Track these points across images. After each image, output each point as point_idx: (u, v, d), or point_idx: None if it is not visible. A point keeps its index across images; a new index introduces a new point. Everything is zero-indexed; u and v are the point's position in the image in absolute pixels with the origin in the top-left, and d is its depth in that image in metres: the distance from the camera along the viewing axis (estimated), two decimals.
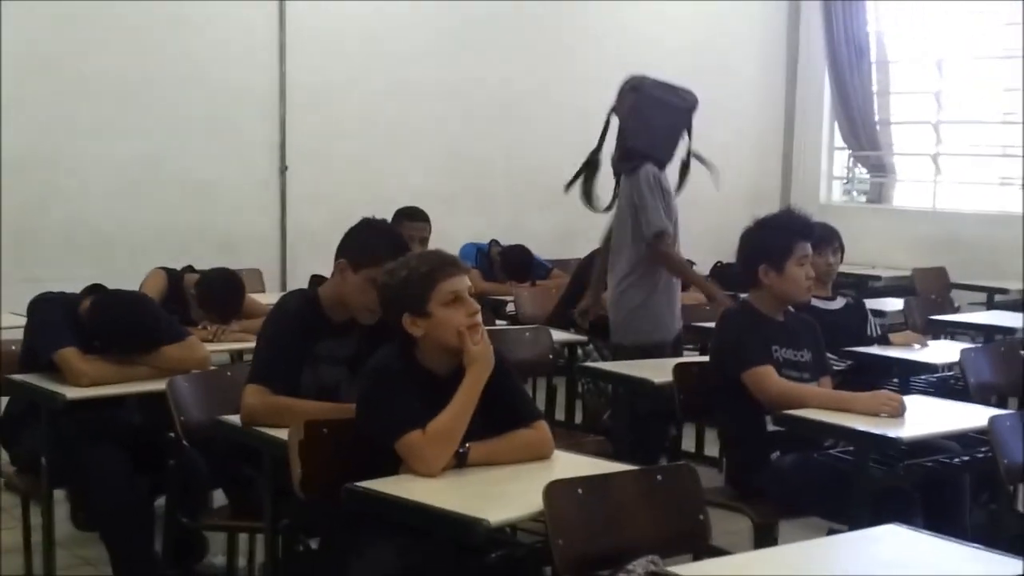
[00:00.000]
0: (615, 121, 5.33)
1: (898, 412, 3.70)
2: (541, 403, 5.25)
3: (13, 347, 4.30)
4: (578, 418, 5.83)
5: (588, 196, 5.50)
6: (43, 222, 6.94)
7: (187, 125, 7.48)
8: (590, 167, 5.46)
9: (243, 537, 4.10)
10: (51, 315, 4.13)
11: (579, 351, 5.90)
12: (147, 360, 4.10)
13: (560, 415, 5.56)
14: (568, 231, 8.56)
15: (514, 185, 8.84)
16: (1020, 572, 2.31)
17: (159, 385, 3.88)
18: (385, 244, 3.52)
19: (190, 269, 5.44)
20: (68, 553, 4.53)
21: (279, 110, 7.87)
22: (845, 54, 9.92)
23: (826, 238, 5.03)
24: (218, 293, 5.16)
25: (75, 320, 4.11)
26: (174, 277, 5.31)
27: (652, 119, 5.26)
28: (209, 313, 5.10)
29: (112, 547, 4.00)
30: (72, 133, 7.11)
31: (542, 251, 7.97)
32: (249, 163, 7.81)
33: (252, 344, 3.89)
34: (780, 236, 4.09)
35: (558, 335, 5.49)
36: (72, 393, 3.89)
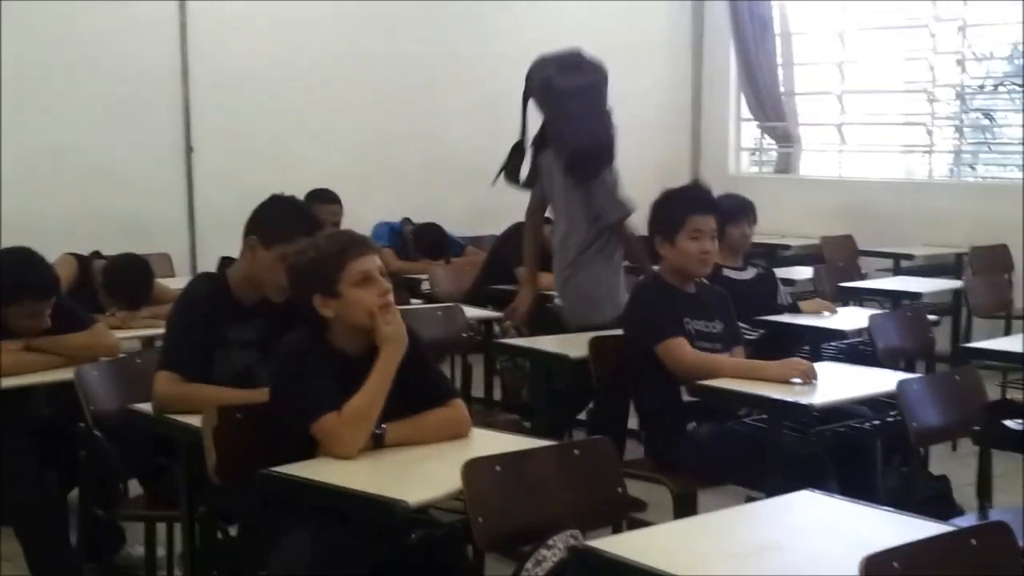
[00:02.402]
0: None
1: (809, 378, 3.76)
2: (458, 381, 5.24)
3: None
4: (496, 395, 5.83)
5: (515, 178, 5.46)
6: None
7: (89, 109, 7.33)
8: (517, 154, 5.42)
9: (161, 526, 4.04)
10: None
11: (495, 328, 5.90)
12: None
13: (478, 393, 5.56)
14: (481, 208, 8.54)
15: (426, 163, 8.80)
16: (933, 532, 2.35)
17: (67, 375, 3.80)
18: (296, 219, 3.49)
19: (97, 255, 5.34)
20: None
21: (182, 90, 7.72)
22: (749, 27, 10.00)
23: (741, 210, 5.10)
24: (125, 279, 5.08)
25: None
26: (83, 263, 5.21)
27: (579, 115, 5.18)
28: (117, 300, 5.02)
29: (26, 542, 3.92)
30: None
31: (456, 229, 7.94)
32: (154, 145, 7.67)
33: (162, 330, 3.83)
34: (674, 209, 4.13)
35: (473, 312, 5.48)
36: None
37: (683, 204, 4.14)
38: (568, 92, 5.19)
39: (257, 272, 3.46)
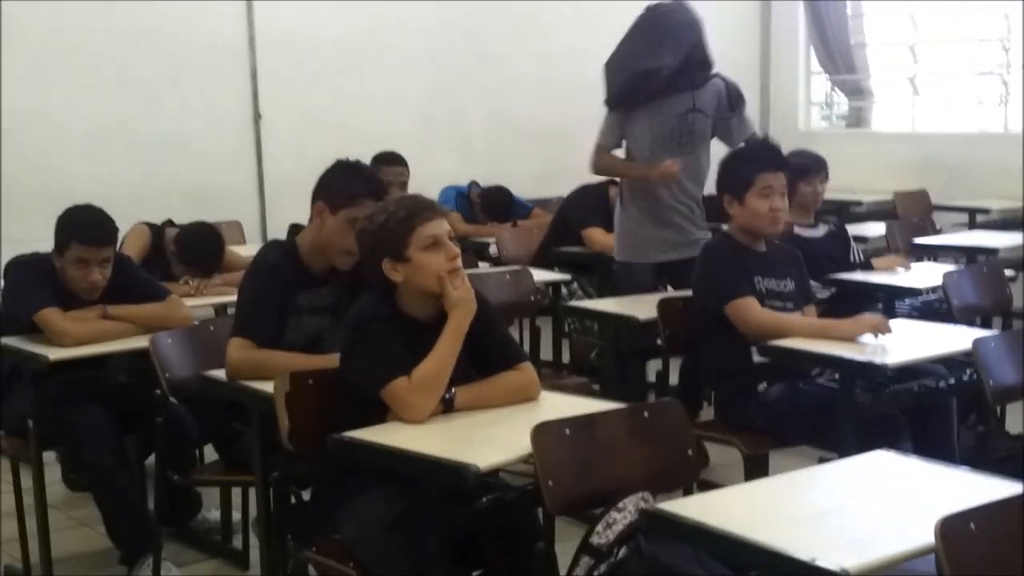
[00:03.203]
0: None
1: (883, 331, 3.70)
2: (526, 345, 5.24)
3: None
4: (565, 358, 5.83)
5: None
6: (17, 184, 6.86)
7: (158, 80, 7.40)
8: None
9: (236, 491, 4.11)
10: (28, 276, 4.09)
11: (563, 290, 5.89)
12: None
13: (547, 356, 5.56)
14: (547, 171, 8.52)
15: (492, 127, 8.78)
16: (1010, 493, 2.31)
17: (142, 343, 3.86)
18: (362, 183, 3.51)
19: (170, 224, 5.40)
20: (62, 515, 4.54)
21: (249, 59, 7.77)
22: None
23: (813, 166, 5.02)
24: (197, 247, 5.13)
25: (52, 279, 4.07)
26: (156, 232, 5.27)
27: (622, 50, 5.22)
28: (190, 268, 5.07)
29: (105, 507, 4.01)
30: (44, 93, 7.02)
31: (522, 191, 7.92)
32: (223, 114, 7.73)
33: (234, 297, 3.87)
34: (743, 167, 4.09)
35: (540, 275, 5.47)
36: (55, 354, 3.87)
37: (752, 162, 4.10)
38: (631, 29, 5.24)
39: (325, 237, 3.48)
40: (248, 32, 7.73)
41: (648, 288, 5.14)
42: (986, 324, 4.98)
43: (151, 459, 4.15)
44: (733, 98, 5.28)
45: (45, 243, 4.15)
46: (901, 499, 2.46)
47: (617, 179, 5.53)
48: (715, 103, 5.26)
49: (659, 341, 4.33)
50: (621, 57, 5.22)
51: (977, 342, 3.55)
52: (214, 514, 4.41)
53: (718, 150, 4.99)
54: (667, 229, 5.21)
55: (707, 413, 4.43)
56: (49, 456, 4.24)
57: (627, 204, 5.30)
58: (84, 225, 4.06)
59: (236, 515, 4.21)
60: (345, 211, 3.43)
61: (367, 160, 5.31)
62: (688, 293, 4.30)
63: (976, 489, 2.40)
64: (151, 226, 5.33)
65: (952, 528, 2.00)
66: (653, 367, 5.44)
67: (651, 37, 5.17)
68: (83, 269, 4.03)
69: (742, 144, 5.02)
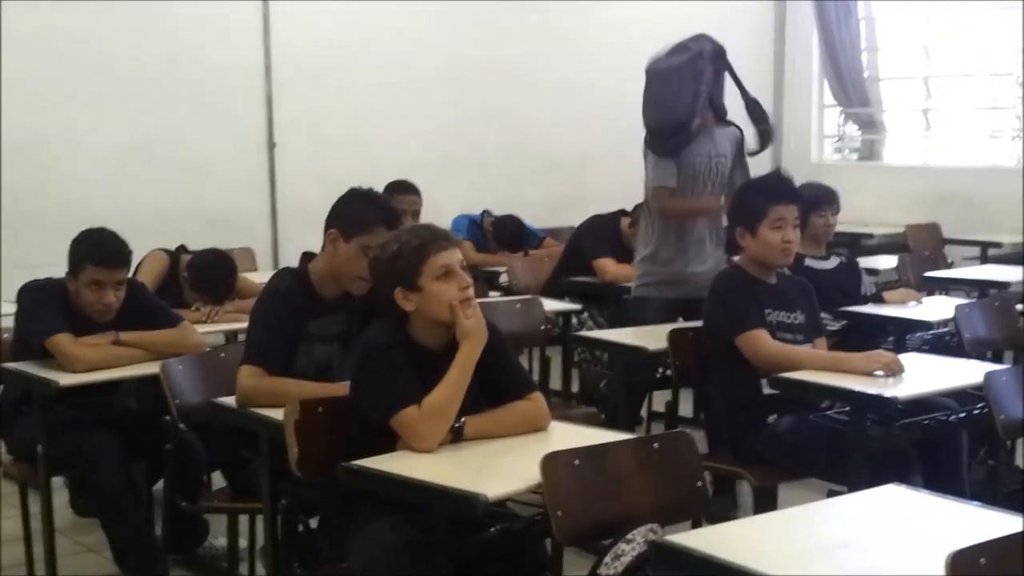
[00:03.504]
0: None
1: (894, 371, 3.70)
2: (536, 374, 5.24)
3: (5, 335, 4.29)
4: (574, 388, 5.82)
5: None
6: (33, 208, 6.92)
7: (174, 105, 7.45)
8: None
9: (244, 518, 4.10)
10: (41, 302, 4.10)
11: (574, 320, 5.89)
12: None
13: (556, 385, 5.55)
14: (560, 200, 8.55)
15: (505, 155, 8.81)
16: (1020, 528, 2.30)
17: (153, 369, 3.87)
18: (375, 211, 3.52)
19: (183, 249, 5.42)
20: (68, 540, 4.53)
21: (265, 87, 7.83)
22: (833, 10, 9.87)
23: (825, 199, 5.03)
24: (210, 274, 5.14)
25: (65, 305, 4.09)
26: (172, 257, 5.29)
27: (656, 92, 5.20)
28: (201, 294, 5.09)
29: (112, 532, 4.01)
30: (62, 117, 7.08)
31: (534, 220, 7.94)
32: (237, 141, 7.78)
33: (245, 324, 3.88)
34: (756, 199, 4.09)
35: (551, 305, 5.48)
36: (65, 379, 3.88)
37: (765, 194, 4.10)
38: (656, 72, 5.22)
39: (338, 265, 3.49)
40: (264, 60, 7.78)
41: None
42: (997, 358, 4.98)
43: (159, 485, 4.15)
44: (743, 146, 5.31)
45: (62, 267, 4.17)
46: (912, 533, 2.45)
47: (628, 210, 5.51)
48: (733, 149, 5.28)
49: (669, 372, 4.32)
50: (667, 100, 5.20)
51: (989, 376, 3.54)
52: (221, 541, 4.39)
53: None
54: (703, 265, 5.20)
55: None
56: (57, 481, 4.24)
57: (661, 240, 5.25)
58: (99, 247, 4.08)
59: (243, 542, 4.20)
60: (358, 239, 3.44)
61: (381, 187, 5.35)
62: (699, 324, 4.30)
63: (986, 524, 2.39)
64: (168, 252, 5.35)
65: (962, 563, 1.99)
66: (662, 398, 5.45)
67: (688, 80, 5.19)
68: (97, 291, 4.04)
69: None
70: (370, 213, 3.50)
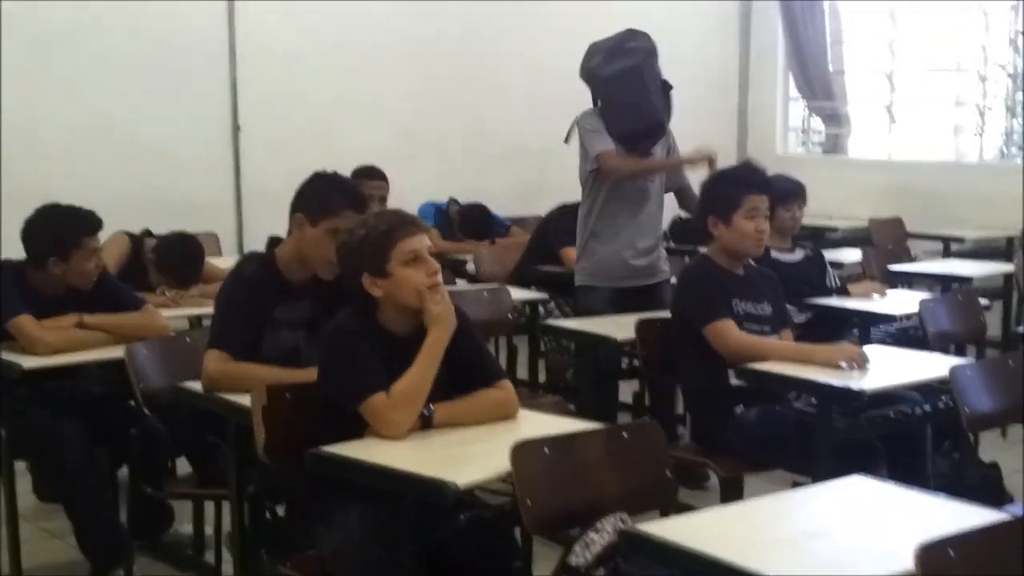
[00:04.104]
0: None
1: (859, 364, 3.72)
2: (503, 362, 5.24)
3: None
4: (541, 377, 5.83)
5: None
6: None
7: (137, 88, 7.37)
8: None
9: (209, 505, 4.08)
10: (1, 284, 4.06)
11: (540, 309, 5.89)
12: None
13: (523, 374, 5.55)
14: (526, 189, 8.53)
15: (471, 143, 8.79)
16: (987, 520, 2.32)
17: (117, 353, 3.84)
18: (341, 193, 3.51)
19: (148, 234, 5.37)
20: (32, 526, 4.49)
21: (230, 70, 7.76)
22: (798, 4, 9.90)
23: (793, 192, 5.06)
24: (176, 258, 5.11)
25: (24, 288, 4.05)
26: (135, 241, 5.25)
27: (622, 97, 5.24)
28: (167, 278, 5.05)
29: (76, 519, 3.97)
30: (21, 99, 6.97)
31: (501, 209, 7.93)
32: (202, 124, 7.70)
33: (210, 309, 3.85)
34: (730, 188, 4.10)
35: (518, 293, 5.48)
36: (29, 363, 3.85)
37: (739, 183, 4.11)
38: (609, 79, 5.25)
39: (306, 249, 3.47)
40: (229, 43, 7.71)
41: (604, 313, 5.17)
42: (960, 352, 5.02)
43: (124, 471, 4.12)
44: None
45: (19, 250, 4.12)
46: (878, 524, 2.47)
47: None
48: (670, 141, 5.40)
49: (636, 362, 4.33)
50: (638, 104, 5.25)
51: (954, 370, 3.57)
52: (186, 528, 4.37)
53: None
54: (641, 257, 5.24)
55: (683, 435, 4.43)
56: (20, 467, 4.20)
57: (599, 228, 5.30)
58: (85, 218, 4.09)
59: (209, 529, 4.18)
60: (325, 222, 3.43)
61: (347, 173, 5.32)
62: (665, 314, 4.31)
63: (952, 516, 2.41)
64: (130, 235, 5.30)
65: (931, 555, 2.01)
66: (629, 388, 5.47)
67: (651, 80, 5.24)
68: (94, 258, 4.04)
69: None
70: (336, 196, 3.49)
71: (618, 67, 5.23)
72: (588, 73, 5.31)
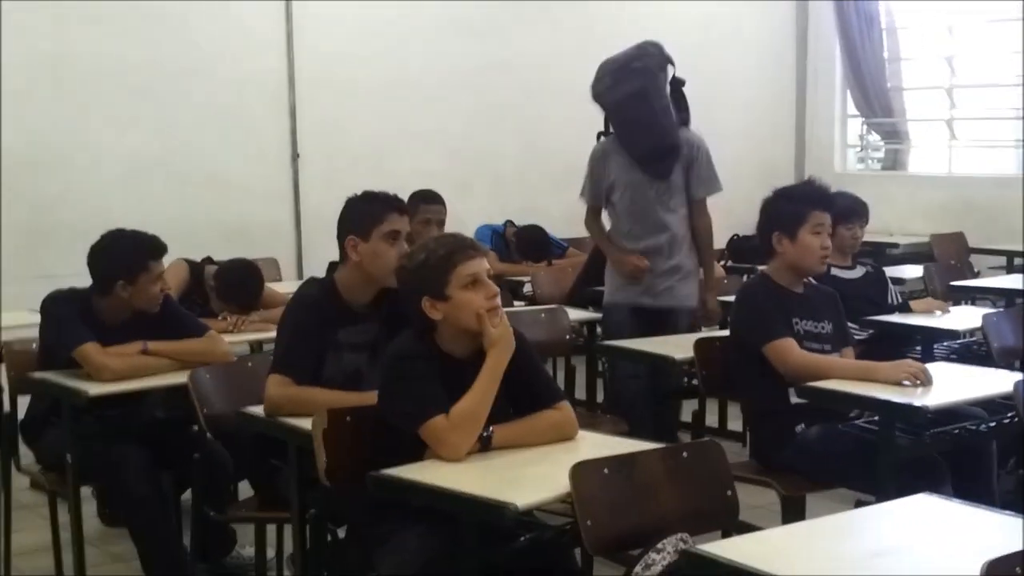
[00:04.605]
0: None
1: (923, 380, 3.68)
2: (561, 384, 5.23)
3: (33, 345, 4.30)
4: (599, 397, 5.81)
5: None
6: (57, 217, 6.95)
7: (197, 116, 7.48)
8: None
9: (271, 528, 4.10)
10: (66, 311, 4.12)
11: (598, 329, 5.88)
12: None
13: (580, 395, 5.54)
14: (582, 210, 8.51)
15: (527, 166, 8.82)
16: None
17: (181, 378, 3.88)
18: (378, 202, 3.58)
19: (209, 260, 5.44)
20: (97, 550, 4.54)
21: (289, 97, 7.85)
22: (855, 22, 9.85)
23: (855, 210, 5.04)
24: (237, 284, 5.16)
25: (89, 315, 4.11)
26: (195, 268, 5.31)
27: (633, 119, 5.26)
28: (229, 304, 5.10)
29: (140, 542, 4.01)
30: (83, 128, 7.11)
31: (557, 230, 7.94)
32: (261, 152, 7.80)
33: (272, 334, 3.89)
34: (795, 204, 4.08)
35: (576, 314, 5.48)
36: (94, 389, 3.90)
37: (805, 199, 4.10)
38: (619, 105, 5.29)
39: (368, 267, 3.51)
40: (288, 71, 7.81)
41: (626, 332, 5.21)
42: None
43: (187, 495, 4.16)
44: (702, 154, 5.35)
45: (83, 278, 4.19)
46: (945, 542, 2.44)
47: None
48: (686, 158, 5.32)
49: (695, 382, 4.31)
50: (650, 126, 5.25)
51: (1019, 385, 3.52)
52: (248, 551, 4.39)
53: None
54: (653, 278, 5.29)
55: (743, 454, 4.40)
56: (85, 491, 4.25)
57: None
58: (150, 243, 4.15)
59: (271, 552, 4.20)
60: (375, 231, 3.50)
61: (404, 197, 5.36)
62: (723, 333, 4.29)
63: (1019, 533, 2.37)
64: (190, 262, 5.37)
65: (999, 572, 1.98)
66: (688, 407, 5.45)
67: (657, 99, 5.24)
68: (159, 282, 4.12)
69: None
70: (375, 205, 3.56)
71: (625, 91, 5.24)
72: (597, 96, 5.35)
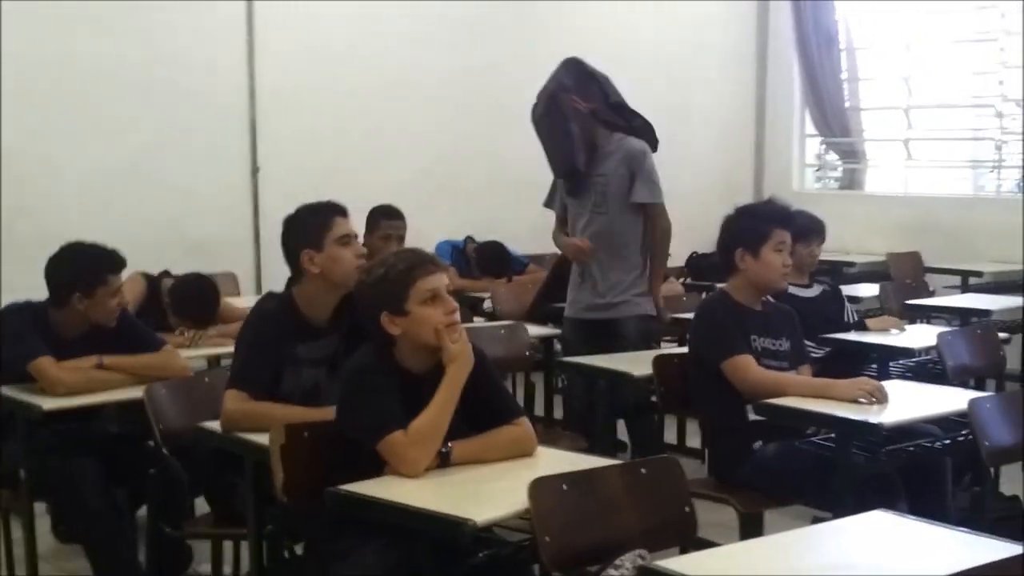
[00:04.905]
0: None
1: (879, 398, 3.71)
2: (520, 400, 5.24)
3: None
4: (557, 414, 5.82)
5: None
6: (14, 229, 6.87)
7: (157, 129, 7.42)
8: None
9: (228, 545, 4.07)
10: (20, 325, 4.08)
11: (556, 346, 5.89)
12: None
13: (539, 411, 5.54)
14: (543, 226, 8.51)
15: (488, 182, 8.81)
16: (1006, 554, 2.30)
17: (136, 393, 3.85)
18: (323, 209, 3.62)
19: (166, 274, 5.40)
20: (51, 566, 4.50)
21: (249, 112, 7.81)
22: (814, 41, 9.93)
23: (814, 229, 5.07)
24: (192, 298, 5.13)
25: (45, 329, 4.07)
26: (152, 282, 5.27)
27: (544, 144, 5.45)
28: (185, 319, 5.07)
29: (94, 559, 3.97)
30: (42, 141, 7.04)
31: (517, 246, 7.95)
32: (221, 166, 7.75)
33: (230, 349, 3.87)
34: (758, 222, 4.11)
35: (535, 330, 5.48)
36: (49, 403, 3.86)
37: (768, 216, 4.14)
38: (537, 125, 5.47)
39: (327, 275, 3.50)
40: (248, 84, 7.77)
41: (573, 345, 5.28)
42: (980, 386, 5.00)
43: (143, 511, 4.12)
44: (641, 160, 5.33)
45: (40, 291, 4.15)
46: (900, 559, 2.45)
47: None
48: (625, 165, 5.30)
49: (653, 398, 4.32)
50: (552, 151, 5.43)
51: (973, 403, 3.56)
52: (205, 568, 4.36)
53: None
54: (594, 292, 5.32)
55: (701, 471, 4.41)
56: (39, 508, 4.21)
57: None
58: (109, 257, 4.14)
59: (227, 569, 4.17)
60: (328, 238, 3.52)
61: (364, 212, 5.37)
62: (684, 350, 4.31)
63: (973, 549, 2.40)
64: (147, 276, 5.33)
65: None
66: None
67: (557, 123, 5.35)
68: (117, 296, 4.07)
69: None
70: (321, 215, 3.59)
71: (537, 112, 5.43)
72: (535, 112, 5.50)
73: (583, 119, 5.29)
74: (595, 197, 5.29)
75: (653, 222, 5.30)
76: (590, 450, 4.24)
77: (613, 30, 8.93)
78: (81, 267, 4.08)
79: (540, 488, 2.64)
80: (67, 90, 7.12)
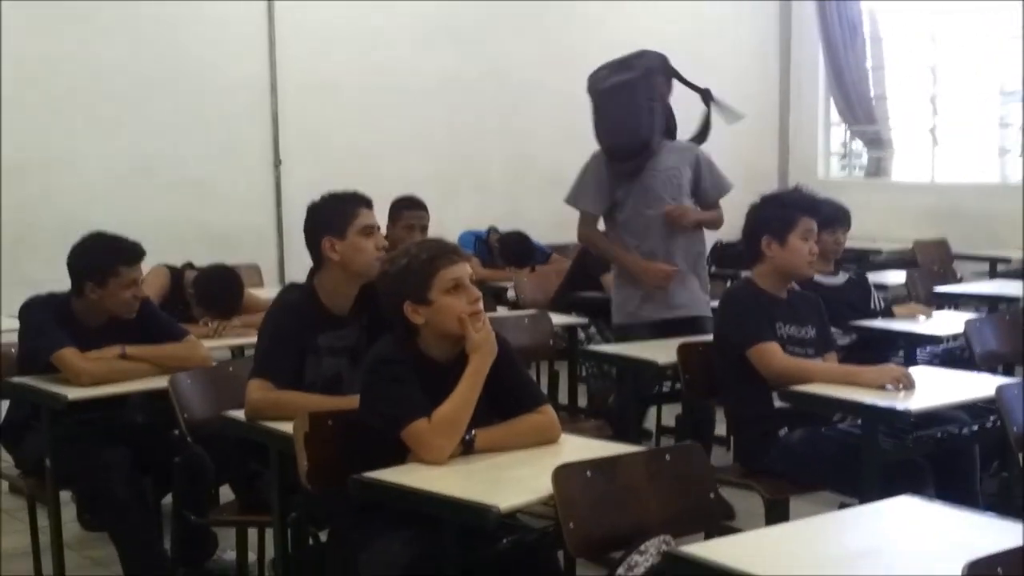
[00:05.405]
0: None
1: (906, 384, 3.68)
2: (544, 388, 5.21)
3: (12, 351, 4.28)
4: (581, 402, 5.81)
5: None
6: (38, 223, 6.92)
7: (180, 123, 7.46)
8: None
9: (253, 532, 4.08)
10: (43, 317, 4.10)
11: (581, 334, 5.88)
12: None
13: (563, 399, 5.54)
14: (566, 216, 8.49)
15: (511, 171, 8.81)
16: None
17: (161, 383, 3.86)
18: (349, 199, 3.61)
19: (190, 266, 5.42)
20: (77, 554, 4.52)
21: (271, 104, 7.84)
22: (838, 30, 9.88)
23: (838, 217, 5.03)
24: (216, 290, 5.14)
25: (68, 320, 4.09)
26: (176, 274, 5.29)
27: (610, 112, 5.15)
28: (207, 310, 5.08)
29: (121, 547, 3.99)
30: (66, 134, 7.08)
31: (540, 236, 7.94)
32: (243, 158, 7.78)
33: (253, 339, 3.87)
34: (785, 210, 4.10)
35: (559, 319, 5.47)
36: (73, 394, 3.87)
37: (793, 204, 4.12)
38: (603, 92, 5.16)
39: (348, 263, 3.50)
40: (270, 77, 7.79)
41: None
42: (1008, 372, 4.95)
43: (168, 499, 4.14)
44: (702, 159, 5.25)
45: (63, 283, 4.16)
46: (927, 544, 2.44)
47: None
48: (690, 162, 5.20)
49: (678, 385, 4.30)
50: (624, 120, 5.11)
51: (1001, 388, 3.52)
52: (230, 555, 4.37)
53: None
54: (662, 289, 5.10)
55: (726, 458, 4.39)
56: (65, 496, 4.23)
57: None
58: (124, 247, 4.12)
59: (252, 556, 4.18)
60: (351, 227, 3.51)
61: (387, 203, 5.36)
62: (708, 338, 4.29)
63: (1001, 534, 2.37)
64: (171, 268, 5.35)
65: (980, 572, 1.98)
66: (671, 412, 5.44)
67: (642, 97, 5.11)
68: (131, 288, 4.07)
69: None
70: (346, 203, 3.58)
71: (614, 80, 5.14)
72: (591, 86, 5.22)
73: (666, 108, 5.22)
74: (671, 189, 5.10)
75: (716, 214, 5.24)
76: (616, 438, 4.23)
77: (634, 23, 8.89)
78: (94, 257, 4.09)
79: (564, 474, 2.63)
80: (91, 84, 7.16)
